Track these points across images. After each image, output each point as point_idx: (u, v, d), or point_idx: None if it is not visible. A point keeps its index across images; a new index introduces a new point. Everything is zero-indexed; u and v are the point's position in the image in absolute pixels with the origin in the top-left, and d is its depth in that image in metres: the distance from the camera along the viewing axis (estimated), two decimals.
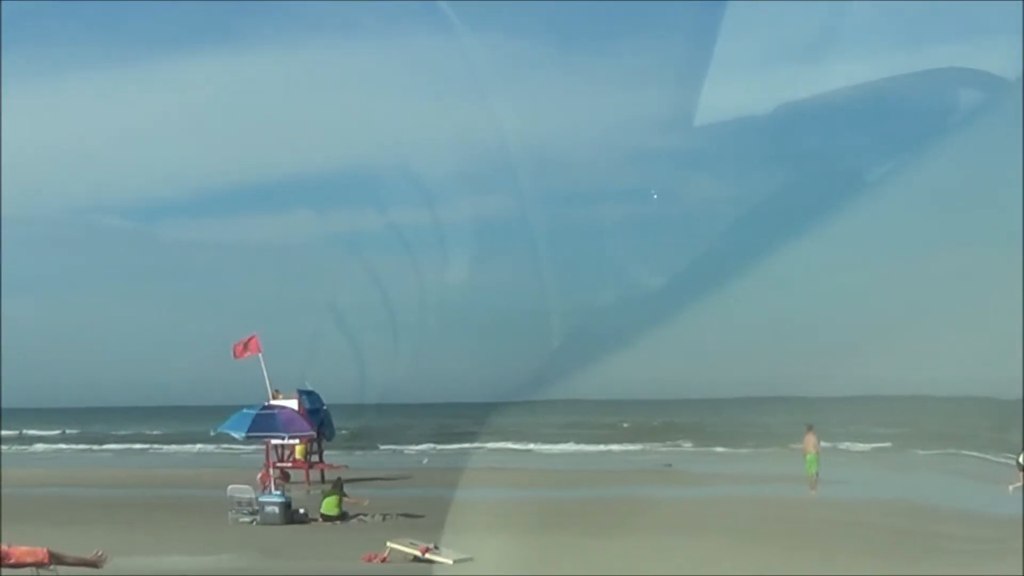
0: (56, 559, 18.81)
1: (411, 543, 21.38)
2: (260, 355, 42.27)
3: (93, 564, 19.09)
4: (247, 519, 29.30)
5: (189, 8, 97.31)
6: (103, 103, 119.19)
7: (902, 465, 48.04)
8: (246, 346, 42.21)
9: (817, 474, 34.15)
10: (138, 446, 74.85)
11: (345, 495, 29.72)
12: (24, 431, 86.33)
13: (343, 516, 29.28)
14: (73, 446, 77.29)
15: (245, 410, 31.98)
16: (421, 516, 29.67)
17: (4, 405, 67.69)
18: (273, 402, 42.31)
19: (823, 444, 56.61)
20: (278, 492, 29.84)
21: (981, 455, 45.39)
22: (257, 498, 29.52)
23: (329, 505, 29.37)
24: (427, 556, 20.88)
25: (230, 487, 30.07)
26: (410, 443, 73.38)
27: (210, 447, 71.81)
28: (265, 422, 30.80)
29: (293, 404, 42.01)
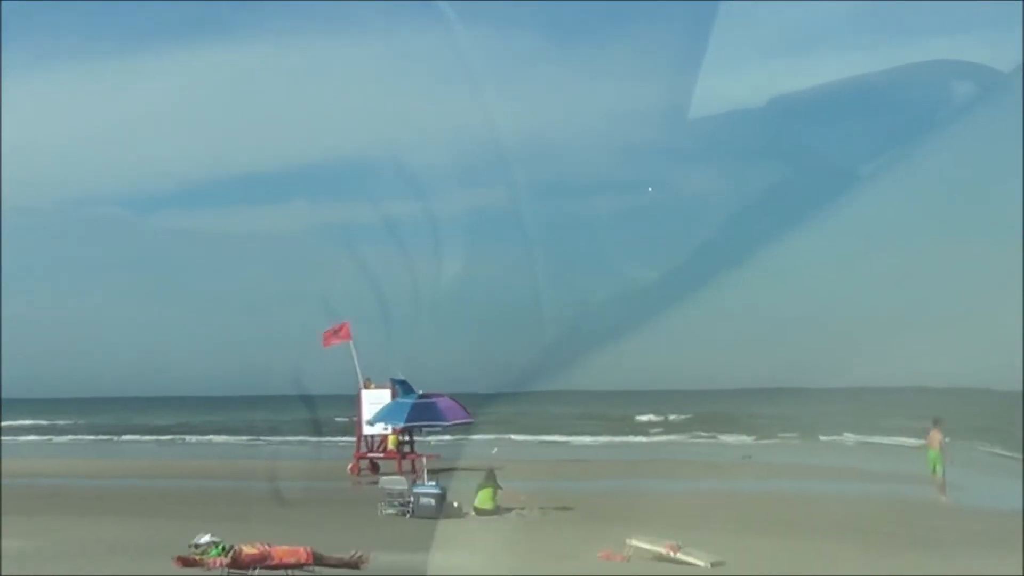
0: (318, 560, 18.39)
1: (653, 540, 20.89)
2: (351, 343, 41.95)
3: (354, 565, 18.69)
4: (392, 511, 28.76)
5: (185, 2, 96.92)
6: (100, 95, 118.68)
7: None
8: (336, 333, 41.76)
9: (944, 474, 32.93)
10: (166, 437, 73.60)
11: (500, 487, 29.17)
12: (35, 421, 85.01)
13: (497, 510, 28.75)
14: (93, 437, 75.93)
15: (399, 399, 31.34)
16: (571, 509, 29.41)
17: None
18: (365, 390, 41.96)
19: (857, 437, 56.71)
20: (432, 483, 29.24)
21: (989, 448, 45.57)
22: (411, 489, 28.98)
23: (484, 498, 28.75)
24: (677, 556, 20.31)
25: (382, 479, 29.58)
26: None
27: (235, 438, 70.85)
28: (424, 411, 30.24)
29: (386, 393, 41.60)
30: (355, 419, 41.82)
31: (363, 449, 42.02)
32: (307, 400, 43.52)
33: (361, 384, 41.90)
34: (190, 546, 17.81)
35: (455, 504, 28.82)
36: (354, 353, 41.72)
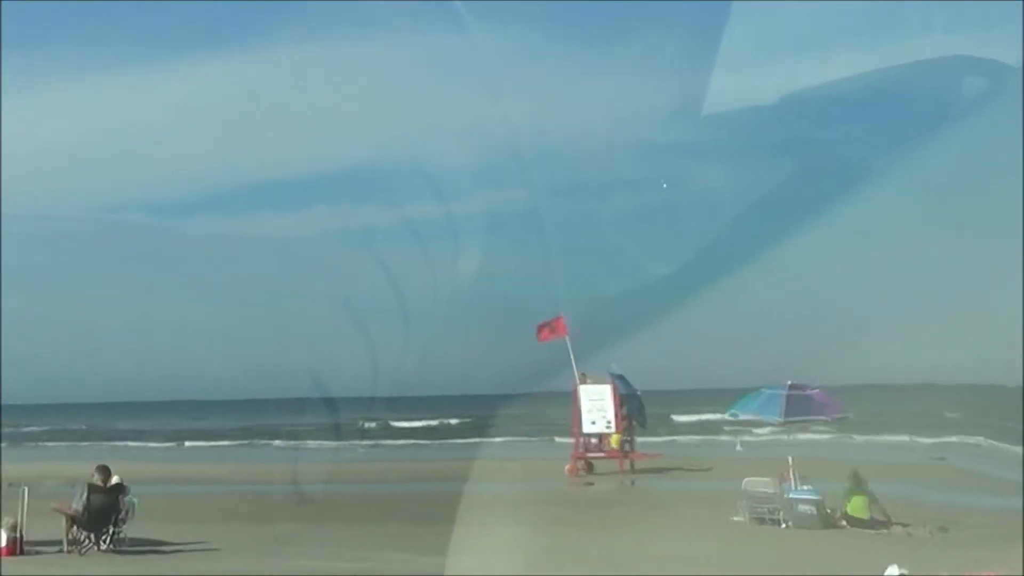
0: None
1: None
2: (567, 338, 38.85)
3: None
4: (743, 517, 25.70)
5: (206, 6, 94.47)
6: (124, 102, 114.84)
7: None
8: (552, 328, 38.78)
9: None
10: (249, 441, 69.23)
11: (874, 496, 25.95)
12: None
13: (871, 521, 25.53)
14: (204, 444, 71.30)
15: (765, 391, 28.17)
16: (947, 529, 26.09)
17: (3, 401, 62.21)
18: (582, 386, 38.88)
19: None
20: (807, 487, 26.07)
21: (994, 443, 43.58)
22: (784, 494, 25.82)
23: (858, 506, 25.61)
24: None
25: (746, 480, 26.41)
26: (461, 436, 68.66)
27: (314, 443, 66.35)
28: (802, 404, 27.23)
29: (606, 388, 38.65)
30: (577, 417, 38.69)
31: (580, 449, 38.91)
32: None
33: (577, 380, 38.79)
34: None
35: (828, 511, 25.76)
36: (570, 348, 38.58)
